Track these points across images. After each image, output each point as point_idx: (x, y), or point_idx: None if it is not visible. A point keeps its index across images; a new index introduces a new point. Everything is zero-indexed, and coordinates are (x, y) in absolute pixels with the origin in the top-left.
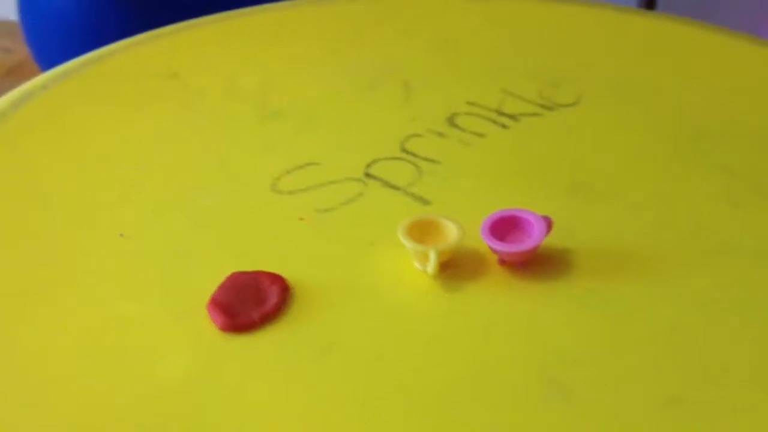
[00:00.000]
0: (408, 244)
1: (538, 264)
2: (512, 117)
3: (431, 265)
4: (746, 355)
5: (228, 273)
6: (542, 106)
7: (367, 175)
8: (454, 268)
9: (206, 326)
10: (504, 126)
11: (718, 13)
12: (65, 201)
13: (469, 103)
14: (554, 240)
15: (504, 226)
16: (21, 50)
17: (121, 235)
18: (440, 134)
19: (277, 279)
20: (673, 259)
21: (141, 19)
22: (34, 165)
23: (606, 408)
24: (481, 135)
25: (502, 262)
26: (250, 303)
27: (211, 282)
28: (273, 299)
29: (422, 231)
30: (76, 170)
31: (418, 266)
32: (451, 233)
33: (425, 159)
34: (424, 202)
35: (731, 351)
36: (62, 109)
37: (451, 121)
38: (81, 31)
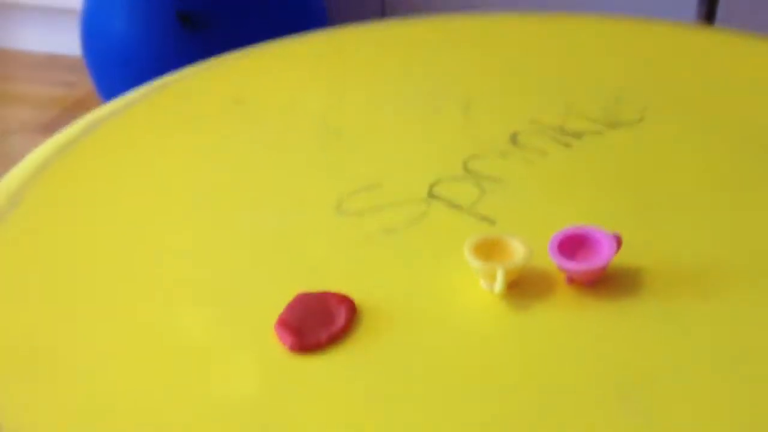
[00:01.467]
0: (474, 263)
1: (606, 282)
2: (575, 135)
3: (498, 284)
4: None
5: (295, 293)
6: (606, 124)
7: (431, 195)
8: (521, 287)
9: (274, 346)
10: (567, 144)
11: None
12: (139, 220)
13: (532, 122)
14: (622, 258)
15: (572, 244)
16: (83, 85)
17: (187, 252)
18: (503, 153)
19: (344, 300)
20: (745, 277)
21: (202, 51)
22: (108, 185)
23: (685, 423)
24: (544, 153)
25: (571, 280)
26: (318, 323)
27: (278, 302)
28: (341, 320)
29: (488, 250)
30: (146, 191)
31: (484, 286)
32: (518, 252)
33: (488, 178)
34: (489, 221)
35: None
36: (133, 132)
37: (514, 139)
38: (144, 63)
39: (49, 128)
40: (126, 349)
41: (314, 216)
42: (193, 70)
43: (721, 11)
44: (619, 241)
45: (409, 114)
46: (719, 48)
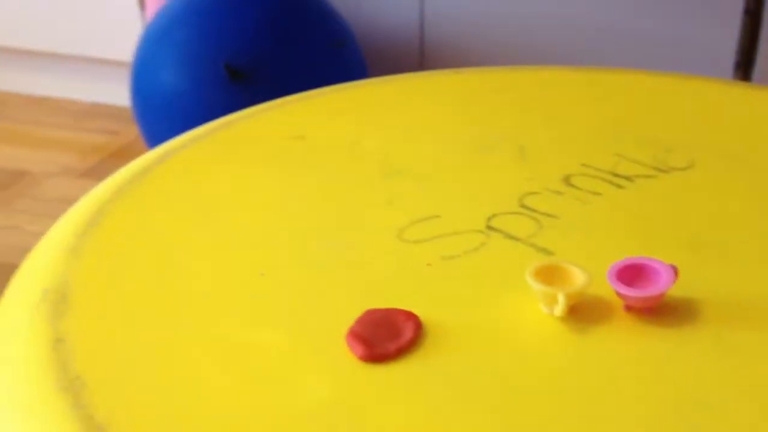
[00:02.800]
0: (536, 286)
1: (663, 312)
2: (627, 178)
3: (560, 308)
4: None
5: (363, 310)
6: (656, 169)
7: (489, 227)
8: (580, 312)
9: (344, 356)
10: (620, 186)
11: None
12: (209, 246)
13: (584, 165)
14: (678, 290)
15: (630, 274)
16: (126, 133)
17: (262, 274)
18: (557, 192)
19: (411, 316)
20: None
21: (249, 104)
22: (182, 213)
23: None
24: (597, 194)
25: (628, 308)
26: (386, 336)
27: (346, 318)
28: (408, 334)
29: (549, 276)
30: (219, 219)
31: (545, 310)
32: (578, 278)
33: (544, 214)
34: (547, 252)
35: None
36: (196, 167)
37: (567, 180)
38: (191, 114)
39: (90, 174)
40: (203, 357)
41: (377, 243)
42: (257, 108)
43: (758, 65)
44: (676, 272)
45: (464, 155)
46: (763, 104)
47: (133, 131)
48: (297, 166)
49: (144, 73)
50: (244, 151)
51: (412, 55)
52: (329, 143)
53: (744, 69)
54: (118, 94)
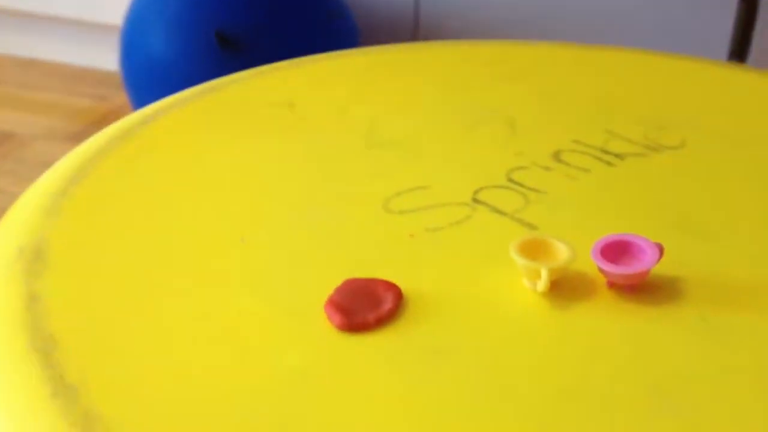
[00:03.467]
0: (520, 260)
1: (646, 289)
2: (617, 156)
3: (542, 282)
4: None
5: (343, 280)
6: (647, 147)
7: (475, 200)
8: (563, 288)
9: (322, 325)
10: (609, 163)
11: None
12: (190, 210)
13: (574, 142)
14: (663, 269)
15: (614, 251)
16: (115, 99)
17: (243, 240)
18: (546, 168)
19: (391, 286)
20: None
21: (239, 67)
22: (165, 178)
23: (718, 425)
24: (586, 170)
25: (611, 285)
26: (366, 306)
27: (327, 287)
28: (388, 304)
29: (533, 251)
30: (201, 185)
31: (527, 284)
32: (562, 253)
33: (532, 189)
34: (532, 227)
35: None
36: (180, 130)
37: (557, 156)
38: (180, 81)
39: (77, 138)
40: (185, 326)
41: (361, 213)
42: (247, 73)
43: (753, 54)
44: (661, 251)
45: (454, 127)
46: (757, 86)
47: (121, 97)
48: (284, 133)
49: (133, 39)
50: (231, 116)
51: (407, 27)
52: (318, 111)
53: (738, 58)
54: (109, 59)
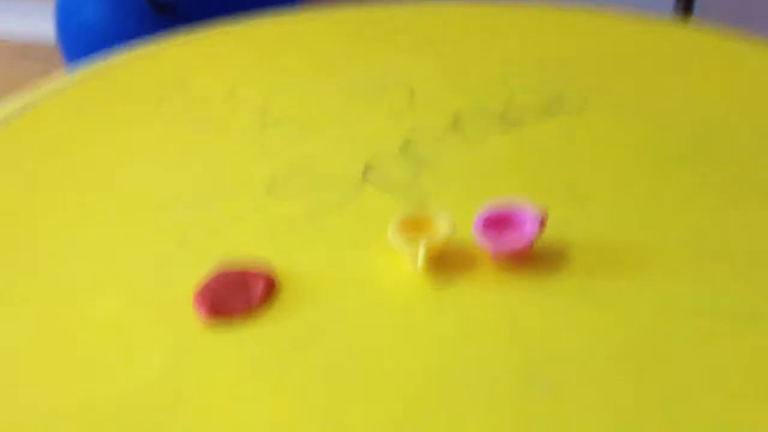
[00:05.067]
0: (396, 239)
1: (531, 261)
2: (515, 123)
3: (419, 260)
4: (731, 360)
5: (216, 269)
6: (546, 113)
7: (364, 177)
8: (446, 264)
9: (190, 320)
10: (506, 131)
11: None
12: (58, 202)
13: (473, 109)
14: (549, 238)
15: (497, 223)
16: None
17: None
18: (441, 138)
19: (262, 276)
20: (669, 261)
21: (174, 29)
22: (32, 171)
23: (591, 405)
24: (482, 139)
25: (495, 258)
26: (236, 297)
27: (199, 278)
28: (258, 293)
29: (414, 228)
30: (74, 173)
31: (409, 263)
32: (441, 228)
33: (424, 161)
34: (419, 203)
35: (716, 357)
36: (64, 119)
37: (454, 125)
38: (115, 43)
39: None
40: (47, 330)
41: (244, 198)
42: (134, 55)
43: (698, 4)
44: (543, 220)
45: (350, 100)
46: (665, 40)
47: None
48: (172, 118)
49: (68, 6)
50: (118, 101)
51: None
52: (208, 91)
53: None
54: (51, 32)
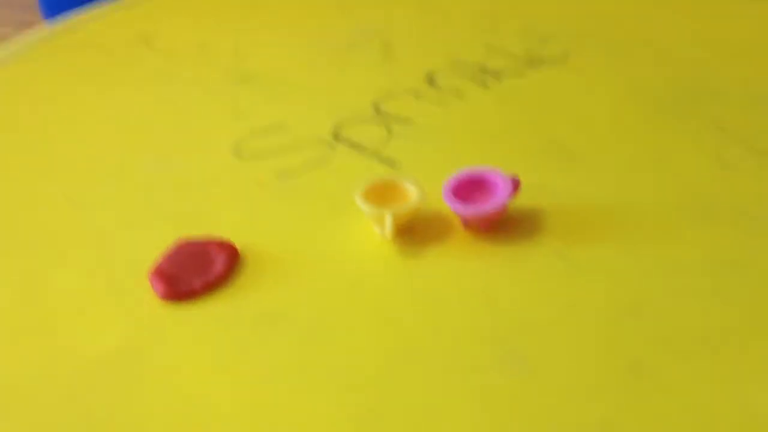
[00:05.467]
0: (365, 208)
1: (505, 227)
2: (495, 75)
3: (387, 229)
4: (713, 320)
5: (176, 241)
6: (527, 63)
7: (336, 137)
8: (417, 232)
9: (148, 296)
10: (485, 85)
11: None
12: (21, 161)
13: (452, 61)
14: (524, 202)
15: (469, 188)
16: (39, 24)
17: (68, 198)
18: (417, 94)
19: (225, 246)
20: (650, 223)
21: None
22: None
23: (565, 375)
24: (459, 95)
25: (467, 225)
26: (195, 271)
27: (158, 250)
28: (219, 267)
29: (383, 194)
30: (39, 131)
31: (378, 231)
32: (411, 196)
33: (398, 119)
34: (392, 164)
35: (697, 316)
36: (29, 80)
37: (431, 80)
38: None
39: None
40: (5, 299)
41: (209, 161)
42: (101, 11)
43: None
44: (516, 184)
45: (324, 56)
46: None
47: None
48: (138, 75)
49: None
50: (85, 59)
51: None
52: (176, 46)
53: None
54: None
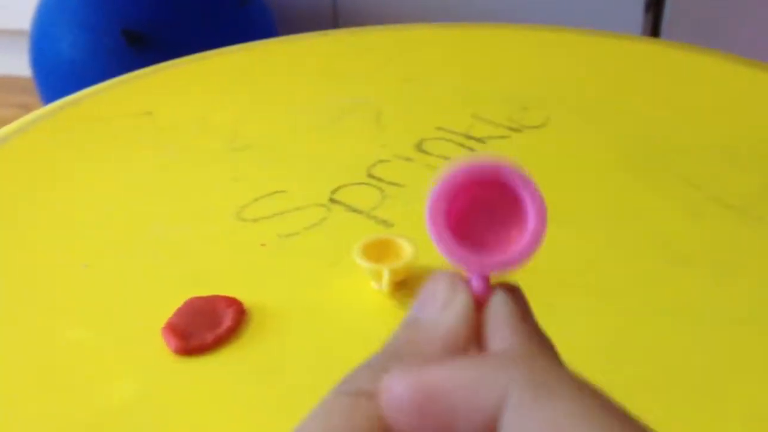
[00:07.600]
0: (362, 263)
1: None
2: (480, 140)
3: (384, 283)
4: (692, 362)
5: (186, 299)
6: (510, 129)
7: (332, 200)
8: (412, 286)
9: (160, 350)
10: (471, 149)
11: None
12: (31, 232)
13: (439, 129)
14: None
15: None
16: (38, 106)
17: (84, 266)
18: (407, 159)
19: (232, 302)
20: (632, 271)
21: (150, 62)
22: (6, 199)
23: None
24: (447, 158)
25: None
26: (205, 326)
27: (169, 308)
28: (227, 322)
29: (379, 251)
30: (47, 204)
31: (375, 286)
32: (406, 252)
33: (390, 183)
34: (387, 224)
35: (677, 358)
36: (34, 151)
37: (420, 146)
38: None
39: None
40: (15, 359)
41: (213, 224)
42: (104, 86)
43: (665, 27)
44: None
45: (318, 124)
46: (625, 55)
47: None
48: (142, 146)
49: (41, 42)
50: (89, 131)
51: (326, 12)
52: (177, 119)
53: (655, 9)
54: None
